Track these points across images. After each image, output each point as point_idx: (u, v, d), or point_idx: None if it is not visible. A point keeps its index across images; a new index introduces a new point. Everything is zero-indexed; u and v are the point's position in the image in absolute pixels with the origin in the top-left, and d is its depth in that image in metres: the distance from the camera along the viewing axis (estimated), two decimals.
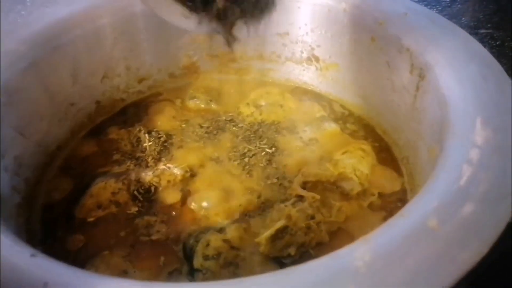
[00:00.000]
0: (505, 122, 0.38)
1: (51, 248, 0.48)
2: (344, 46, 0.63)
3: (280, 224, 0.46)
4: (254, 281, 0.29)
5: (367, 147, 0.59)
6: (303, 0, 0.65)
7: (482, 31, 0.91)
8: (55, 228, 0.51)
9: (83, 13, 0.59)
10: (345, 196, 0.54)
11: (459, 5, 0.96)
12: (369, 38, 0.58)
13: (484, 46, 0.50)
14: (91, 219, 0.52)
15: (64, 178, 0.58)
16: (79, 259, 0.47)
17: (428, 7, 0.93)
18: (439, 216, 0.31)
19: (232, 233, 0.48)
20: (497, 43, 0.88)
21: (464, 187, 0.33)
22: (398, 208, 0.53)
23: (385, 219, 0.52)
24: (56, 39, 0.57)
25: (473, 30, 0.93)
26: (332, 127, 0.64)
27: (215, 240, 0.46)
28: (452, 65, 0.46)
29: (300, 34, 0.68)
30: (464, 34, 0.50)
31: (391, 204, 0.54)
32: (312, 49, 0.68)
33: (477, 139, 0.36)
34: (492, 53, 0.49)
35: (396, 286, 0.27)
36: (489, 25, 0.93)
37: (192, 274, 0.45)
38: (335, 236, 0.50)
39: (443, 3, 0.95)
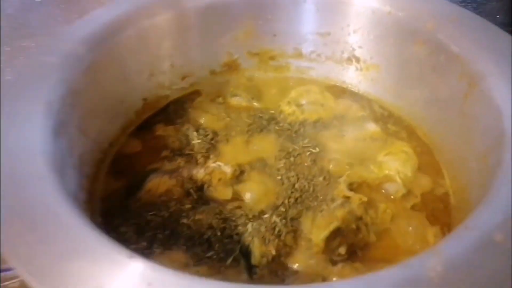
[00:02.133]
0: None
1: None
2: (387, 48, 0.65)
3: (334, 226, 0.48)
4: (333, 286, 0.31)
5: (409, 149, 0.61)
6: (346, 1, 0.66)
7: None
8: (115, 222, 0.54)
9: (136, 11, 0.61)
10: (390, 197, 0.56)
11: (494, 3, 0.95)
12: (415, 42, 0.59)
13: None
14: (148, 214, 0.54)
15: (117, 174, 0.60)
16: (142, 251, 0.50)
17: (463, 4, 0.94)
18: (504, 230, 0.33)
19: (284, 232, 0.50)
20: None
21: None
22: (440, 210, 0.56)
23: (427, 218, 0.54)
24: (111, 39, 0.58)
25: (507, 28, 0.93)
26: (373, 127, 0.66)
27: (270, 240, 0.49)
28: (505, 75, 0.47)
29: (342, 34, 0.69)
30: None
31: (432, 205, 0.56)
32: (353, 49, 0.69)
33: None
34: None
35: None
36: None
37: (250, 269, 0.48)
38: (381, 237, 0.52)
39: (478, 0, 0.95)
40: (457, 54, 0.53)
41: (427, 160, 0.61)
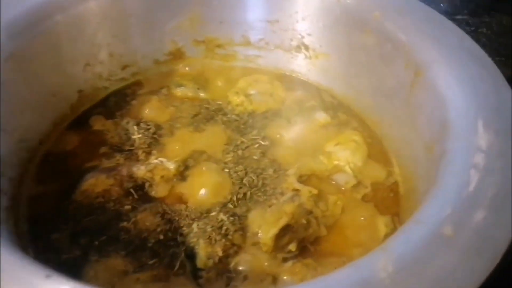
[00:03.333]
0: (505, 125, 0.39)
1: (44, 251, 0.46)
2: (336, 36, 0.63)
3: (283, 222, 0.46)
4: None
5: (358, 138, 0.60)
6: None
7: (459, 17, 0.94)
8: (45, 228, 0.49)
9: None
10: (340, 189, 0.55)
11: None
12: (363, 30, 0.58)
13: None
14: (83, 218, 0.49)
15: (48, 175, 0.55)
16: (75, 260, 0.46)
17: None
18: (453, 223, 0.32)
19: (232, 230, 0.48)
20: (472, 29, 0.90)
21: (474, 193, 0.34)
22: (390, 199, 0.55)
23: (377, 208, 0.53)
24: (37, 26, 0.52)
25: (450, 16, 0.95)
26: (323, 117, 0.64)
27: (217, 240, 0.46)
28: (450, 64, 0.47)
29: (290, 22, 0.66)
30: (460, 33, 0.51)
31: (382, 194, 0.55)
32: (302, 37, 0.67)
33: (481, 143, 0.38)
34: None
35: None
36: (465, 11, 0.95)
37: (195, 274, 0.45)
38: (332, 230, 0.51)
39: None
40: (404, 43, 0.52)
41: (377, 149, 0.60)
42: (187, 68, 0.71)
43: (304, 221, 0.48)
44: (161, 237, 0.48)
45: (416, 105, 0.52)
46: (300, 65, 0.70)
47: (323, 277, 0.29)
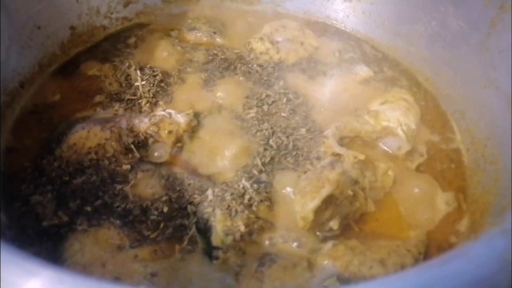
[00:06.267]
0: None
1: (21, 217, 0.36)
2: None
3: (326, 192, 0.35)
4: None
5: (409, 97, 0.49)
6: None
7: None
8: (23, 189, 0.39)
9: None
10: (390, 155, 0.44)
11: None
12: None
13: None
14: (71, 178, 0.39)
15: (30, 123, 0.45)
16: (57, 229, 0.36)
17: None
18: None
19: (257, 200, 0.37)
20: None
21: None
22: (451, 171, 0.45)
23: (436, 181, 0.43)
24: None
25: None
26: (364, 71, 0.53)
27: (238, 211, 0.36)
28: None
29: None
30: None
31: (442, 165, 0.45)
32: None
33: None
34: None
35: None
36: None
37: (210, 253, 0.35)
38: (381, 206, 0.41)
39: None
40: None
41: (431, 113, 0.50)
42: (201, 10, 0.60)
43: (350, 193, 0.37)
44: (167, 205, 0.38)
45: (495, 51, 0.41)
46: (337, 10, 0.59)
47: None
